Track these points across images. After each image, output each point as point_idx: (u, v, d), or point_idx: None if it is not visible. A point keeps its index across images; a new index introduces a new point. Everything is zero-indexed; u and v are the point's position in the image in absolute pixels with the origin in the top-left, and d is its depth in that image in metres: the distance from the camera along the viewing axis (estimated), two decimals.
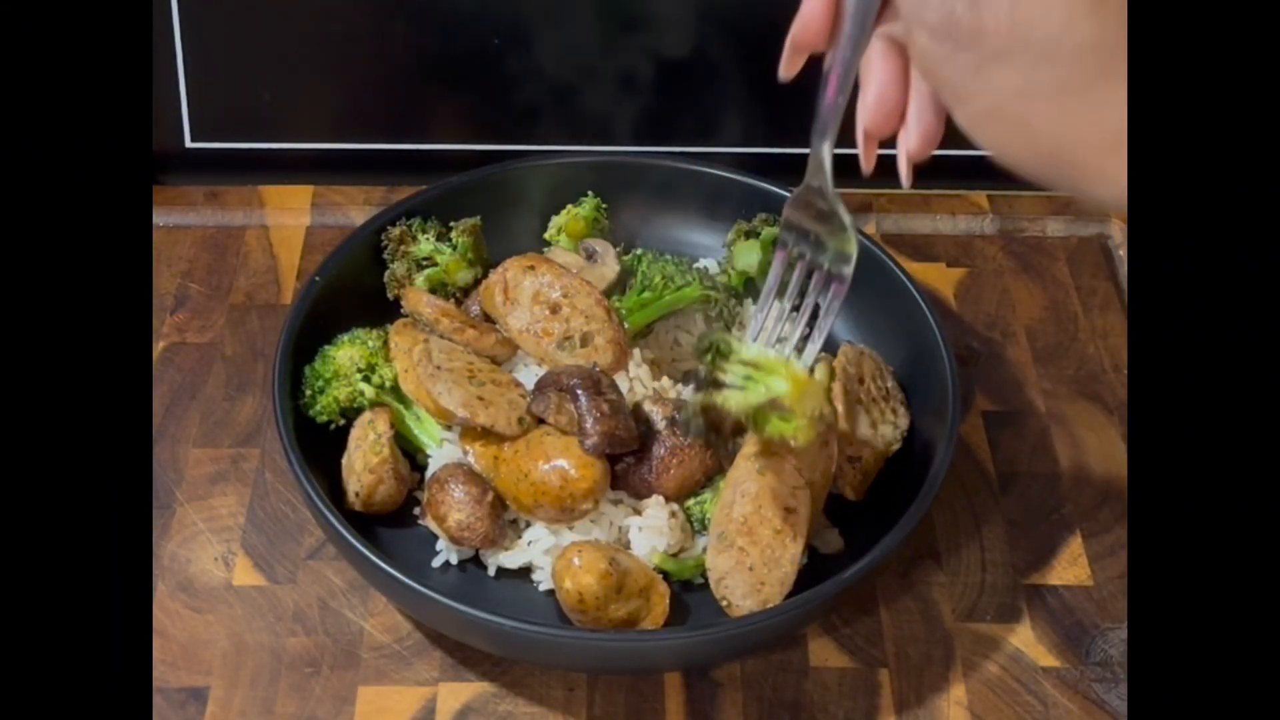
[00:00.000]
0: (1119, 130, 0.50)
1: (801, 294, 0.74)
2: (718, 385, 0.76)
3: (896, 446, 0.89)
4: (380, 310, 0.95)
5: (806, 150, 1.17)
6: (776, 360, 0.75)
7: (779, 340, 0.77)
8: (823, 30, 0.60)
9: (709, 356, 0.76)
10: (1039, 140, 0.52)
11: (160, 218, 1.10)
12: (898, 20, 0.57)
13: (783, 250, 0.74)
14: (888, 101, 0.59)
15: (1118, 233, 1.11)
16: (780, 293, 0.75)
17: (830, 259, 0.73)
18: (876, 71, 0.59)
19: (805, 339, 0.76)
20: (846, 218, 0.71)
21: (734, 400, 0.75)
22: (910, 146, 0.59)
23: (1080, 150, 0.51)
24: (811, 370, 0.77)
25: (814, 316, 0.74)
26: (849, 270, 0.72)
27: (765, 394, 0.74)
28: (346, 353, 0.89)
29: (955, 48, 0.52)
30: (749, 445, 0.82)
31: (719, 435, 0.76)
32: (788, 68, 0.62)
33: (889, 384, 0.91)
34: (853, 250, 0.72)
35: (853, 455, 0.87)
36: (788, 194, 0.98)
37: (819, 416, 0.76)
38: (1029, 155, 0.53)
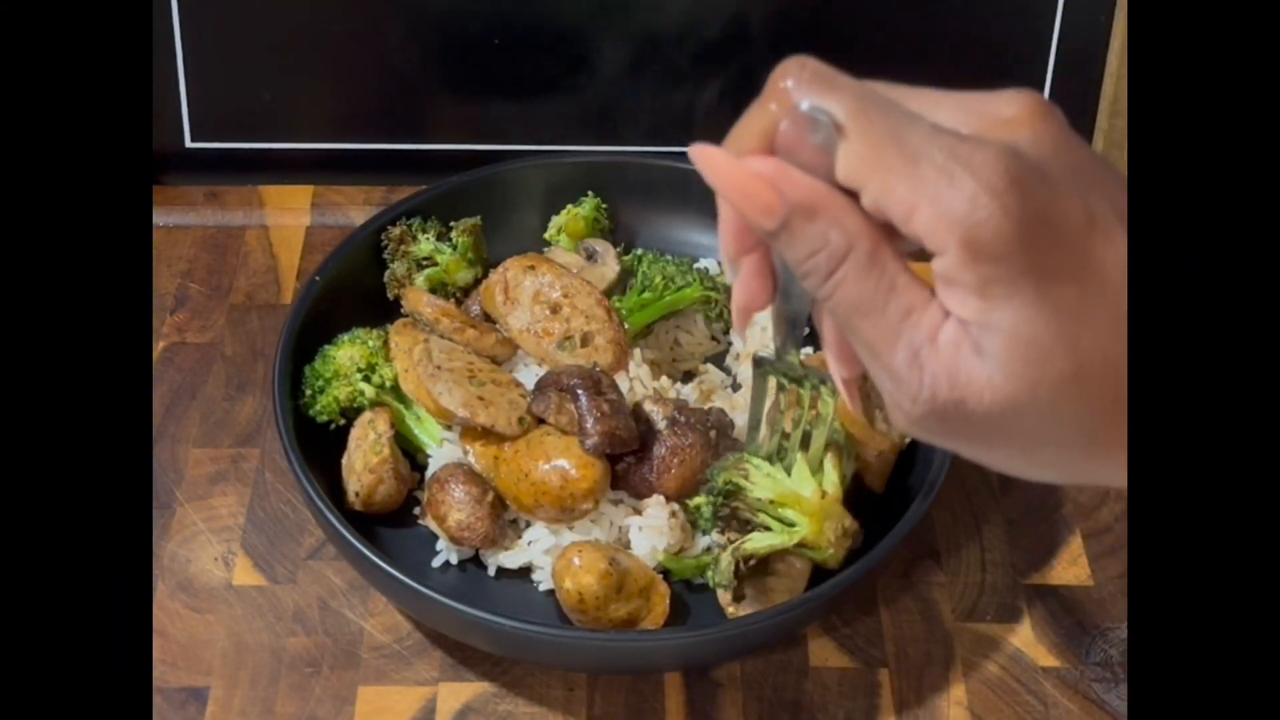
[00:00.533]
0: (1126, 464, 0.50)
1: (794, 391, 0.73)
2: (738, 520, 0.79)
3: (903, 444, 0.89)
4: (380, 310, 0.95)
5: None
6: (787, 492, 0.78)
7: (781, 445, 0.78)
8: (765, 296, 0.57)
9: (719, 498, 0.78)
10: (1048, 479, 0.52)
11: (160, 218, 1.10)
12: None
13: (760, 384, 0.72)
14: (854, 359, 0.54)
15: None
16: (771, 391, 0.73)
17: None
18: (834, 338, 0.55)
19: (806, 437, 0.77)
20: (823, 378, 0.69)
21: (761, 545, 0.78)
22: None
23: (1092, 478, 0.51)
24: (821, 464, 0.79)
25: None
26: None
27: (789, 540, 0.78)
28: (346, 353, 0.89)
29: (945, 435, 0.49)
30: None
31: (749, 570, 0.79)
32: (739, 327, 0.59)
33: None
34: (831, 404, 0.72)
35: (877, 446, 0.87)
36: None
37: (844, 533, 0.79)
38: (1040, 480, 0.53)
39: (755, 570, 0.80)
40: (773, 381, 0.72)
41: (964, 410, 0.48)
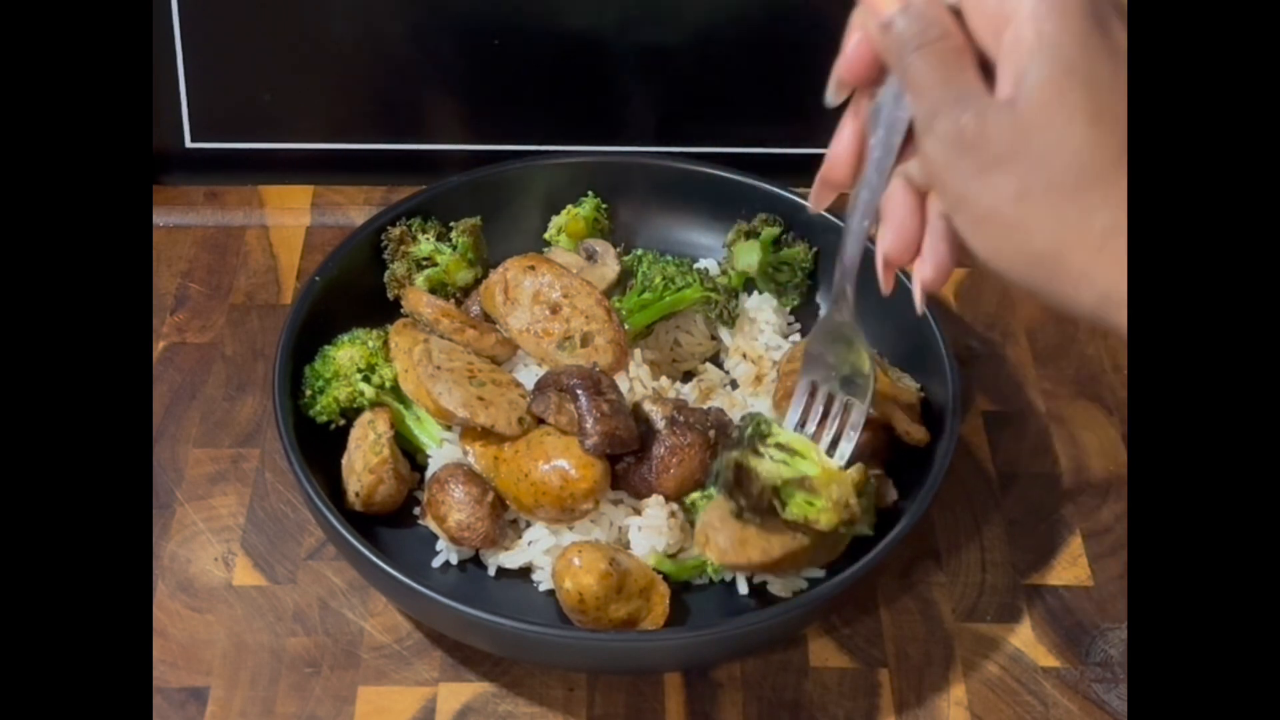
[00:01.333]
0: (1107, 229, 0.54)
1: (825, 410, 0.80)
2: (754, 453, 0.79)
3: (921, 396, 0.90)
4: (380, 310, 0.95)
5: (807, 150, 1.17)
6: (811, 446, 0.80)
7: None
8: (849, 170, 0.65)
9: (748, 431, 0.79)
10: (1030, 242, 0.56)
11: (160, 218, 1.11)
12: (914, 160, 0.63)
13: (805, 380, 0.80)
14: (906, 234, 0.64)
15: None
16: (805, 417, 0.81)
17: (848, 383, 0.80)
18: (896, 207, 0.64)
19: (836, 441, 0.80)
20: (866, 346, 0.79)
21: (765, 468, 0.78)
22: (925, 276, 0.64)
23: (1068, 252, 0.55)
24: (848, 466, 0.80)
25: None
26: (869, 392, 0.79)
27: (795, 472, 0.78)
28: (346, 353, 0.89)
29: (960, 154, 0.56)
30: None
31: (743, 493, 0.79)
32: (817, 202, 0.69)
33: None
34: (867, 370, 0.79)
35: (902, 403, 0.88)
36: (788, 194, 0.99)
37: (845, 505, 0.79)
38: (1020, 259, 0.56)
39: (763, 523, 0.80)
40: (805, 383, 0.80)
41: (983, 134, 0.55)
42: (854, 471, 0.79)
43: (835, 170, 0.66)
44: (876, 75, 0.62)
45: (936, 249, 0.63)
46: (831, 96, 0.63)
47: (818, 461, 0.79)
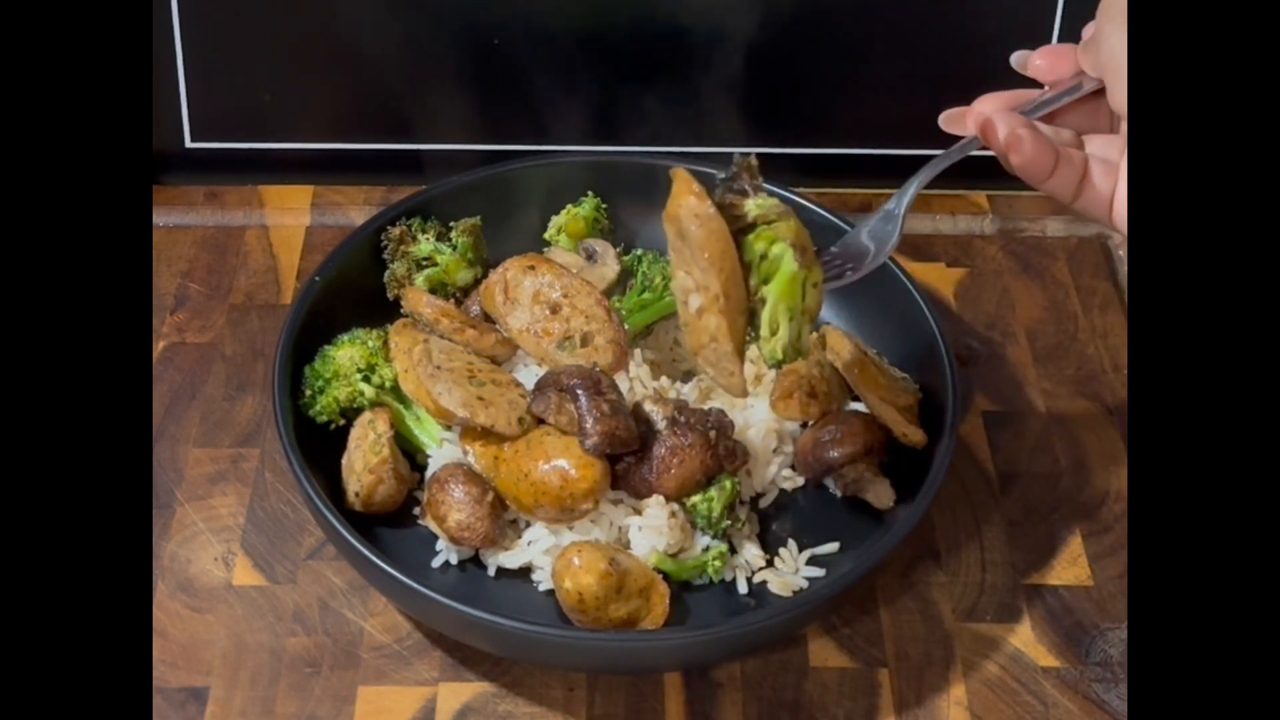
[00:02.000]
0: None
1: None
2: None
3: (919, 397, 0.90)
4: (380, 310, 0.95)
5: (805, 151, 1.17)
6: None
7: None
8: (974, 126, 0.76)
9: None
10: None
11: (160, 218, 1.11)
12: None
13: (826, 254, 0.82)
14: (1018, 121, 0.74)
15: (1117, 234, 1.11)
16: None
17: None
18: (1024, 123, 0.74)
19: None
20: (899, 234, 0.81)
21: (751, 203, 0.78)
22: (1010, 124, 0.73)
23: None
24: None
25: None
26: (865, 264, 0.81)
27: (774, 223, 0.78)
28: (346, 353, 0.89)
29: None
30: None
31: (731, 191, 0.79)
32: (947, 127, 0.78)
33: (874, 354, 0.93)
34: (883, 253, 0.81)
35: (900, 404, 0.89)
36: (788, 194, 0.99)
37: (807, 247, 0.78)
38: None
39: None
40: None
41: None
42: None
43: (972, 122, 0.77)
44: (1065, 71, 0.76)
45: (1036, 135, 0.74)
46: (1016, 65, 0.78)
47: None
